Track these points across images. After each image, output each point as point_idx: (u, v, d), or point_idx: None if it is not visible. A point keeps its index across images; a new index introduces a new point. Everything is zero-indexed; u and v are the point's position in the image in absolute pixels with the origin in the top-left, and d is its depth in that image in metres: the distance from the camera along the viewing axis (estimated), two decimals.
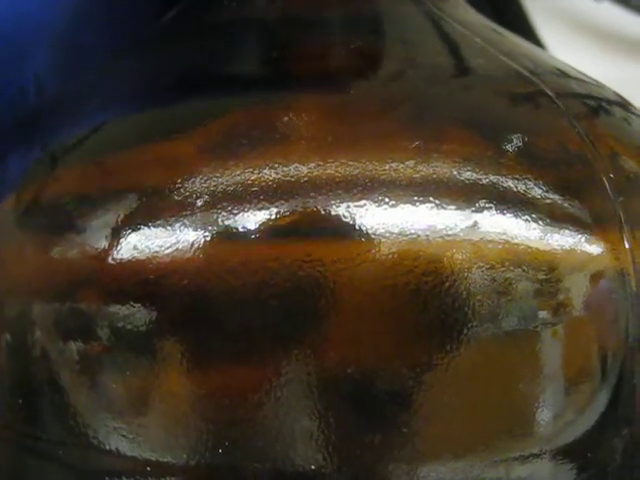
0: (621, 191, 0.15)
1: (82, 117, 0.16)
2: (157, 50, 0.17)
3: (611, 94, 0.17)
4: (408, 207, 0.13)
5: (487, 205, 0.14)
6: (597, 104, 0.16)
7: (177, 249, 0.13)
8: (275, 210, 0.13)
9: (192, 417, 0.13)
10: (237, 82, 0.15)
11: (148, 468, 0.13)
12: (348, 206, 0.13)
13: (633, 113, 0.17)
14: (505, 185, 0.14)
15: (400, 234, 0.13)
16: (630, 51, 0.50)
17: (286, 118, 0.14)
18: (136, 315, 0.14)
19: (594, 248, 0.14)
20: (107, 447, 0.13)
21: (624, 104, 0.17)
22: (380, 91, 0.14)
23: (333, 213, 0.13)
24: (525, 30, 0.36)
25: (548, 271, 0.14)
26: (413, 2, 0.15)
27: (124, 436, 0.13)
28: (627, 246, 0.14)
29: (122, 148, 0.15)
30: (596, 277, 0.14)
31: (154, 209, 0.14)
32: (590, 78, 0.17)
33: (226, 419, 0.13)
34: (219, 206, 0.13)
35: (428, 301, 0.13)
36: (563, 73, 0.16)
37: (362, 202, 0.13)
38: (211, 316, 0.13)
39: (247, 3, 0.16)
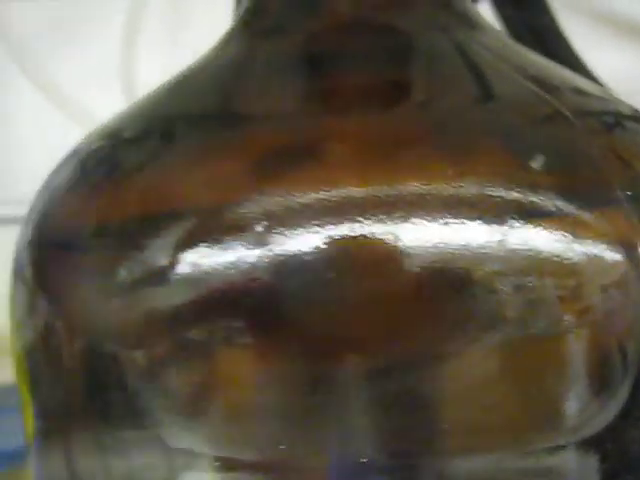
0: (637, 202, 0.16)
1: (141, 143, 0.17)
2: (204, 79, 0.18)
3: (627, 108, 0.18)
4: (444, 225, 0.15)
5: (515, 220, 0.15)
6: (614, 120, 0.17)
7: (233, 268, 0.15)
8: (325, 231, 0.14)
9: (255, 416, 0.14)
10: (281, 110, 0.16)
11: (217, 463, 0.14)
12: (392, 226, 0.14)
13: None
14: (531, 201, 0.15)
15: (438, 249, 0.15)
16: None
17: (331, 145, 0.15)
18: (196, 327, 0.15)
19: (613, 256, 0.16)
20: (178, 445, 0.15)
21: (639, 117, 0.18)
22: (413, 118, 0.16)
23: (379, 232, 0.14)
24: (569, 57, 0.37)
25: (572, 279, 0.15)
26: (442, 31, 0.17)
27: (193, 435, 0.15)
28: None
29: (177, 171, 0.17)
30: (616, 283, 0.16)
31: (211, 229, 0.15)
32: (607, 93, 0.19)
33: (287, 417, 0.14)
34: (273, 228, 0.14)
35: (463, 309, 0.15)
36: (582, 92, 0.18)
37: (405, 221, 0.14)
38: (270, 326, 0.14)
39: (285, 38, 0.17)
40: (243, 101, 0.17)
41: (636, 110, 0.18)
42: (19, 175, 0.50)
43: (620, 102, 0.18)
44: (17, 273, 0.19)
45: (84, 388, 0.16)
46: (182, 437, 0.15)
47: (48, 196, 0.19)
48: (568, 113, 0.17)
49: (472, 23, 0.18)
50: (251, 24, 0.18)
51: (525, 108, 0.17)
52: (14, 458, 0.41)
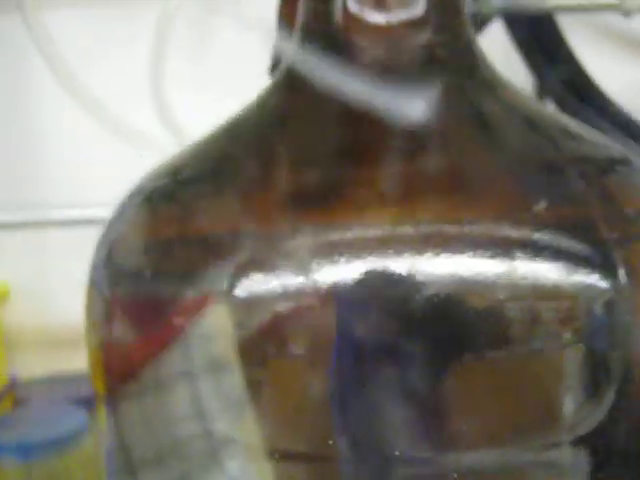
0: (624, 238, 0.19)
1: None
2: (251, 126, 0.21)
3: (617, 152, 0.21)
4: (462, 257, 0.18)
5: (520, 254, 0.18)
6: (606, 165, 0.20)
7: (282, 292, 0.18)
8: (358, 263, 0.17)
9: (311, 417, 0.18)
10: (319, 157, 0.19)
11: (276, 455, 0.17)
12: (413, 259, 0.17)
13: (634, 168, 0.21)
14: (534, 238, 0.18)
15: (455, 278, 0.18)
16: None
17: (362, 190, 0.18)
18: (252, 340, 0.18)
19: (601, 284, 0.19)
20: (241, 439, 0.18)
21: (627, 160, 0.21)
22: (430, 167, 0.19)
23: (400, 265, 0.17)
24: (600, 101, 0.40)
25: (567, 304, 0.18)
26: (459, 92, 0.20)
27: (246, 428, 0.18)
28: (625, 282, 0.19)
29: (231, 207, 0.20)
30: (604, 305, 0.19)
31: (264, 257, 0.18)
32: (602, 138, 0.22)
33: (337, 418, 0.17)
34: (313, 259, 0.18)
35: (474, 328, 0.18)
36: (580, 138, 0.21)
37: (423, 255, 0.17)
38: (319, 338, 0.17)
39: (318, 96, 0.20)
40: (285, 147, 0.20)
41: (624, 151, 0.21)
42: (54, 179, 0.54)
43: (613, 147, 0.21)
44: (94, 283, 0.22)
45: None
46: (233, 429, 0.18)
47: (119, 223, 0.22)
48: (569, 160, 0.20)
49: (486, 78, 0.21)
50: (289, 81, 0.21)
51: (531, 156, 0.20)
52: (62, 444, 0.44)
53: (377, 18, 0.18)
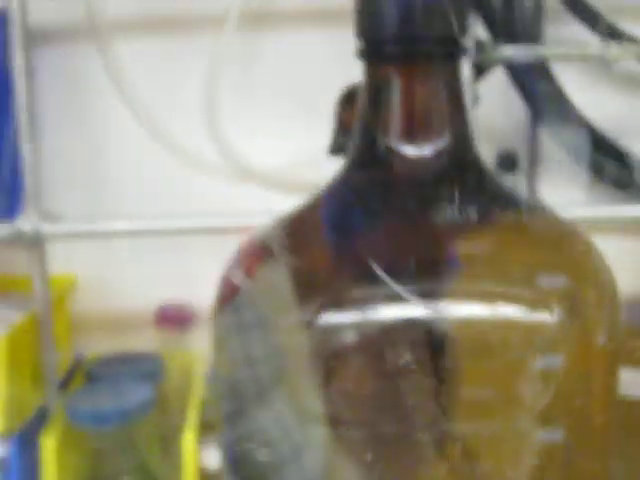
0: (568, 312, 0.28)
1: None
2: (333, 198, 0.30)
3: (569, 225, 0.30)
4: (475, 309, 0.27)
5: (502, 304, 0.27)
6: (557, 237, 0.30)
7: (352, 328, 0.27)
8: (406, 310, 0.26)
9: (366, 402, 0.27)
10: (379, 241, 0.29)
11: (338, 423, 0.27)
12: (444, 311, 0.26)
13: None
14: (507, 293, 0.27)
15: (463, 319, 0.27)
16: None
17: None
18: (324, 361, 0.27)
19: (557, 327, 0.28)
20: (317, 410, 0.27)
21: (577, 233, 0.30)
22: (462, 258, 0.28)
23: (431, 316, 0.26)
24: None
25: (533, 336, 0.27)
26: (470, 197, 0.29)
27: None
28: (559, 319, 0.28)
29: (318, 260, 0.29)
30: (555, 340, 0.28)
31: (341, 300, 0.27)
32: (554, 210, 0.31)
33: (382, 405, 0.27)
34: (375, 304, 0.27)
35: (469, 349, 0.27)
36: (540, 210, 0.30)
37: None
38: (378, 358, 0.27)
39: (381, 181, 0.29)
40: (357, 220, 0.29)
41: (575, 227, 0.30)
42: (119, 194, 0.63)
43: (562, 218, 0.30)
44: (222, 303, 0.31)
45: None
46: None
47: (241, 266, 0.31)
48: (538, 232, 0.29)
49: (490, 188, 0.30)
50: (360, 164, 0.30)
51: (503, 237, 0.29)
52: (130, 415, 0.52)
53: (409, 151, 0.27)
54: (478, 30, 0.55)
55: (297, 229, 0.30)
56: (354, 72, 0.30)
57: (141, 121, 0.60)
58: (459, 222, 0.27)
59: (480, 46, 0.54)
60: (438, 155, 0.27)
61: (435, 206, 0.27)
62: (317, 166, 0.61)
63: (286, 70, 0.62)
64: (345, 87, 0.32)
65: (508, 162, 0.62)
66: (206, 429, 0.54)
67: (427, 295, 0.26)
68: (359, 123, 0.28)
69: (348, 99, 0.32)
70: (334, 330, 0.26)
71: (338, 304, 0.27)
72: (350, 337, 0.26)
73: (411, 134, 0.27)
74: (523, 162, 0.62)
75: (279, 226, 0.30)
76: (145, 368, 0.59)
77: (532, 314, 0.27)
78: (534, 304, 0.27)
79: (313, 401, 0.27)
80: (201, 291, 0.60)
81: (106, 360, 0.60)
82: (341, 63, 0.58)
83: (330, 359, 0.27)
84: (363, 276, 0.27)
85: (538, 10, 0.60)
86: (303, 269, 0.28)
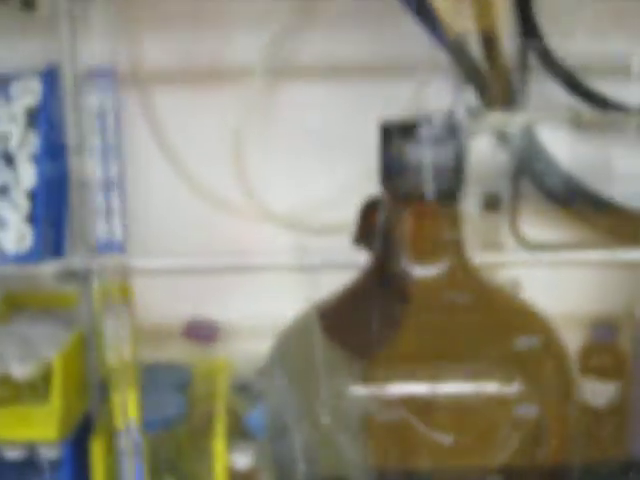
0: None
1: None
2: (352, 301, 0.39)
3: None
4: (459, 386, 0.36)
5: (478, 382, 0.36)
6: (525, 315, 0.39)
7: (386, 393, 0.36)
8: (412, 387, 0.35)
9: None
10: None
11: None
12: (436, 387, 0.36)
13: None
14: (480, 374, 0.37)
15: (457, 395, 0.36)
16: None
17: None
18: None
19: (508, 391, 0.37)
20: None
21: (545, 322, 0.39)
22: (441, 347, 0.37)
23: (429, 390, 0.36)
24: None
25: (502, 407, 0.37)
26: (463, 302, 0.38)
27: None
28: (522, 388, 0.37)
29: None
30: (509, 401, 0.37)
31: (378, 374, 0.36)
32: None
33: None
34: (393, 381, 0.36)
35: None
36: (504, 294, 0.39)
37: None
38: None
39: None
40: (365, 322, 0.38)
41: (533, 306, 0.40)
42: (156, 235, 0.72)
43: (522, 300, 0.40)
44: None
45: None
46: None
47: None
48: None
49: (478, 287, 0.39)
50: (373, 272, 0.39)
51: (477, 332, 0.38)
52: (167, 423, 0.61)
53: (417, 271, 0.36)
54: (469, 97, 0.64)
55: (330, 317, 0.39)
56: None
57: (174, 167, 0.69)
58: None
59: (471, 112, 0.63)
60: (443, 274, 0.36)
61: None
62: (332, 210, 0.70)
63: (305, 120, 0.70)
64: (367, 198, 0.40)
65: (492, 202, 0.71)
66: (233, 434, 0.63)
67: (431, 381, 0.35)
68: (380, 235, 0.37)
69: (369, 208, 0.41)
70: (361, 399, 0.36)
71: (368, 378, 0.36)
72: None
73: (418, 256, 0.36)
74: (506, 202, 0.71)
75: (315, 313, 0.39)
76: (176, 378, 0.68)
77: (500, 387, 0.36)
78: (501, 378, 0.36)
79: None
80: (225, 308, 0.69)
81: (140, 370, 0.69)
82: (354, 113, 0.67)
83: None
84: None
85: (523, 73, 0.68)
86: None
